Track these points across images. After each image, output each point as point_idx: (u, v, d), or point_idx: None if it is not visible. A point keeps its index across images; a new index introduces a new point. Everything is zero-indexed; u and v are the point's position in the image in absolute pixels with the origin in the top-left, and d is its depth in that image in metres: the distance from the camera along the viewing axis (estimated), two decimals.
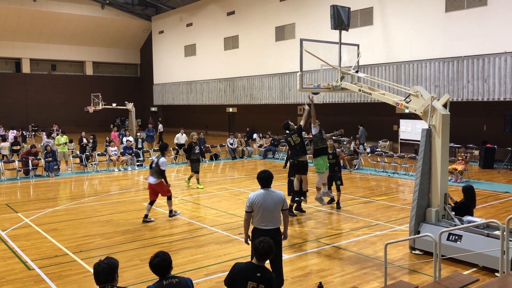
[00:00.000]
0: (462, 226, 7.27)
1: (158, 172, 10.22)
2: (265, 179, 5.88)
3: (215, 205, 12.43)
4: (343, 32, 10.95)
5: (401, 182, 15.75)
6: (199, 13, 36.87)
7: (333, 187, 11.76)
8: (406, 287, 5.57)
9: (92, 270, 4.01)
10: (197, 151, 14.66)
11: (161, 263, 4.01)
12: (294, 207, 10.93)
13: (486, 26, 19.10)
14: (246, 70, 32.05)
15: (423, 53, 21.32)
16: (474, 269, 7.17)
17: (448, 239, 7.50)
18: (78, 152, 20.95)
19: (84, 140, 21.49)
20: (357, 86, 9.96)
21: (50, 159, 17.72)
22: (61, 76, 44.57)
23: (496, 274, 6.64)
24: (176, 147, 21.95)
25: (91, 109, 35.81)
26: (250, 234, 5.97)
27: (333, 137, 13.00)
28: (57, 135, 24.39)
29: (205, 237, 9.26)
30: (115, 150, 19.82)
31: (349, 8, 11.03)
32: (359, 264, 7.57)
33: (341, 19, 10.77)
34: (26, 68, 42.56)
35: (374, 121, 25.06)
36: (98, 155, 20.00)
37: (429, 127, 8.00)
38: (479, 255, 7.04)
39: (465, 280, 5.54)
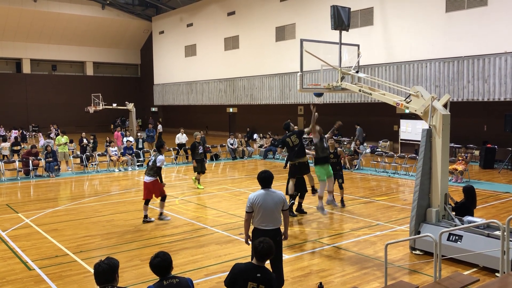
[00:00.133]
0: (462, 226, 7.27)
1: (154, 169, 10.16)
2: (265, 179, 5.89)
3: (215, 205, 12.43)
4: (344, 32, 10.96)
5: (402, 182, 15.74)
6: (199, 13, 36.89)
7: (335, 186, 11.81)
8: (407, 287, 5.57)
9: (92, 271, 4.02)
10: (200, 151, 14.55)
11: (161, 263, 4.00)
12: (294, 208, 10.93)
13: (486, 26, 19.10)
14: (247, 70, 32.06)
15: (424, 53, 21.32)
16: (475, 269, 7.17)
17: (448, 239, 7.50)
18: (78, 153, 20.97)
19: (85, 141, 21.50)
20: (358, 87, 9.97)
21: (51, 159, 17.72)
22: (62, 76, 44.59)
23: (497, 274, 6.64)
24: (177, 147, 21.96)
25: (91, 109, 35.82)
26: (250, 234, 5.98)
27: (333, 136, 12.98)
28: (56, 135, 24.40)
29: (205, 237, 9.26)
30: (115, 151, 19.83)
31: (349, 9, 11.04)
32: (360, 264, 7.57)
33: (341, 20, 10.77)
34: (26, 69, 42.59)
35: (374, 121, 25.06)
36: (99, 155, 20.00)
37: (429, 127, 8.00)
38: (479, 255, 7.04)
39: (465, 280, 5.54)
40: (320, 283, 6.44)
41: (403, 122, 22.55)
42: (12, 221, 10.80)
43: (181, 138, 22.07)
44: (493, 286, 5.30)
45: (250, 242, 5.86)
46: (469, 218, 7.72)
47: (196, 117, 39.84)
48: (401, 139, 22.86)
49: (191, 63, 38.27)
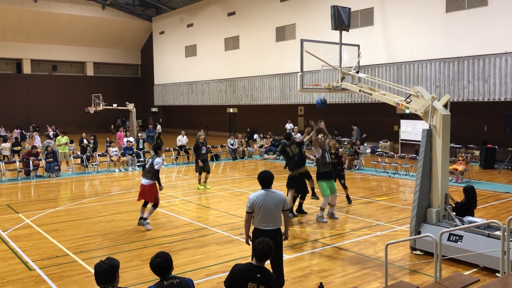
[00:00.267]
0: (462, 226, 7.27)
1: (152, 172, 9.83)
2: (265, 179, 5.89)
3: (215, 205, 12.44)
4: (344, 32, 10.97)
5: (402, 183, 15.74)
6: (199, 13, 36.90)
7: (338, 186, 11.90)
8: (407, 287, 5.57)
9: (93, 271, 4.02)
10: (204, 151, 14.46)
11: (161, 264, 4.00)
12: (295, 208, 10.93)
13: (486, 26, 19.10)
14: (247, 70, 32.07)
15: (424, 53, 21.32)
16: (475, 269, 7.16)
17: (448, 239, 7.50)
18: (79, 153, 20.97)
19: (85, 141, 21.50)
20: (358, 87, 9.97)
21: (51, 159, 17.73)
22: (62, 76, 44.61)
23: (497, 274, 6.64)
24: (177, 148, 21.96)
25: (91, 109, 35.82)
26: (251, 234, 5.98)
27: (334, 137, 13.00)
28: (54, 136, 24.37)
29: (206, 237, 9.26)
30: (115, 151, 19.83)
31: (349, 9, 11.04)
32: (360, 264, 7.57)
33: (342, 20, 10.78)
34: (27, 69, 42.62)
35: (374, 122, 25.05)
36: (99, 155, 20.00)
37: (429, 127, 8.00)
38: (479, 256, 7.04)
39: (466, 280, 5.54)
40: (321, 283, 6.44)
41: (403, 122, 22.55)
42: (13, 221, 10.81)
43: (182, 140, 22.07)
44: (493, 286, 5.30)
45: (250, 242, 5.86)
46: (470, 218, 7.72)
47: (196, 117, 39.85)
48: (401, 139, 22.85)
49: (191, 64, 38.28)
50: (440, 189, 7.94)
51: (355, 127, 24.30)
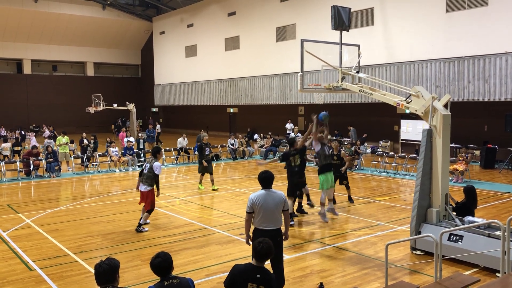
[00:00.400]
0: (463, 226, 7.27)
1: (152, 177, 9.58)
2: (266, 179, 5.89)
3: (216, 205, 12.45)
4: (344, 32, 10.98)
5: (402, 183, 15.74)
6: (200, 13, 36.90)
7: (339, 186, 12.02)
8: (407, 287, 5.57)
9: (93, 271, 4.02)
10: (207, 152, 14.33)
11: (162, 264, 4.01)
12: (295, 208, 10.93)
13: (487, 26, 19.09)
14: (247, 70, 32.07)
15: (424, 53, 21.32)
16: (475, 269, 7.17)
17: (449, 239, 7.50)
18: (79, 153, 20.98)
19: (85, 141, 21.52)
20: (358, 87, 9.97)
21: (51, 159, 17.74)
22: (62, 77, 44.62)
23: (497, 274, 6.64)
24: (178, 148, 21.96)
25: (92, 110, 35.83)
26: (251, 234, 5.98)
27: (334, 137, 13.02)
28: (51, 136, 24.34)
29: (206, 237, 9.27)
30: (116, 151, 19.83)
31: (349, 9, 11.06)
32: (360, 264, 7.57)
33: (342, 20, 10.79)
34: (27, 69, 42.63)
35: (375, 122, 25.05)
36: (99, 155, 20.01)
37: (430, 127, 8.00)
38: (480, 256, 7.04)
39: (466, 280, 5.54)
40: (321, 283, 6.45)
41: (403, 122, 22.55)
42: (13, 221, 10.81)
43: (183, 142, 22.07)
44: (493, 286, 5.30)
45: (250, 242, 5.87)
46: (470, 218, 7.72)
47: (196, 117, 39.85)
48: (401, 139, 22.85)
49: (191, 64, 38.28)
50: (441, 189, 7.94)
51: (351, 127, 24.29)
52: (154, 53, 43.84)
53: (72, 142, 22.19)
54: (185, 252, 8.28)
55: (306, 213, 11.06)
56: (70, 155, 20.36)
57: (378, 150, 22.01)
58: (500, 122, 18.62)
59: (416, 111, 8.30)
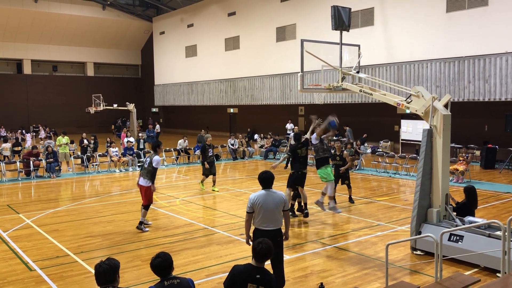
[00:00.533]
0: (463, 226, 7.27)
1: (151, 172, 9.62)
2: (266, 179, 5.88)
3: (216, 205, 12.45)
4: (344, 32, 10.97)
5: (402, 183, 15.74)
6: (200, 14, 36.91)
7: (341, 186, 12.04)
8: (408, 287, 5.57)
9: (93, 271, 4.02)
10: (210, 153, 14.14)
11: (162, 264, 4.00)
12: (296, 208, 10.93)
13: (487, 26, 19.09)
14: (247, 70, 32.07)
15: (424, 53, 21.32)
16: (476, 269, 7.16)
17: (449, 239, 7.49)
18: (79, 153, 20.98)
19: (85, 141, 21.52)
20: (358, 87, 9.97)
21: (51, 160, 17.74)
22: (62, 77, 44.63)
23: (498, 274, 6.63)
24: (178, 148, 21.96)
25: (92, 110, 35.85)
26: (251, 234, 5.97)
27: (334, 137, 13.04)
28: (48, 137, 24.34)
29: (206, 237, 9.26)
30: (116, 151, 19.83)
31: (349, 9, 11.05)
32: (360, 264, 7.56)
33: (342, 20, 10.78)
34: (27, 69, 42.64)
35: (375, 122, 25.05)
36: (99, 156, 20.01)
37: (430, 127, 8.00)
38: (480, 256, 7.04)
39: (466, 280, 5.54)
40: (321, 283, 6.45)
41: (403, 122, 22.54)
42: (13, 221, 10.81)
43: (183, 144, 22.06)
44: (494, 286, 5.30)
45: (251, 243, 5.86)
46: (470, 218, 7.71)
47: (196, 117, 39.87)
48: (402, 139, 22.85)
49: (191, 64, 38.29)
50: (441, 189, 7.93)
51: (348, 127, 24.26)
52: (154, 53, 43.85)
53: (72, 142, 22.20)
54: (185, 252, 8.28)
55: (306, 211, 11.04)
56: (70, 155, 20.36)
57: (378, 150, 22.00)
58: (500, 122, 18.62)
59: (416, 111, 8.29)
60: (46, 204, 12.77)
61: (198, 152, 21.18)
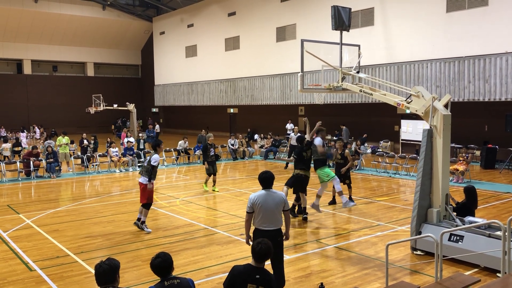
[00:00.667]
0: (463, 226, 7.26)
1: (149, 170, 9.53)
2: (266, 179, 5.88)
3: (216, 206, 12.45)
4: (344, 32, 10.97)
5: (402, 183, 15.73)
6: (200, 14, 36.91)
7: (342, 185, 11.94)
8: (408, 287, 5.57)
9: (93, 271, 4.02)
10: (212, 153, 14.03)
11: (162, 264, 4.01)
12: (296, 210, 10.91)
13: (487, 26, 19.09)
14: (247, 70, 32.08)
15: (424, 53, 21.32)
16: (476, 269, 7.16)
17: (449, 239, 7.49)
18: (79, 153, 20.97)
19: (85, 141, 21.52)
20: (358, 87, 9.97)
21: (52, 160, 17.74)
22: (62, 77, 44.63)
23: (498, 274, 6.63)
24: (178, 149, 21.96)
25: (92, 110, 35.86)
26: (251, 234, 5.97)
27: (334, 137, 13.05)
28: (42, 136, 24.20)
29: (206, 238, 9.26)
30: (116, 151, 19.83)
31: (350, 9, 11.04)
32: (361, 264, 7.56)
33: (342, 20, 10.78)
34: (27, 69, 42.65)
35: (375, 122, 25.06)
36: (100, 156, 20.01)
37: (430, 127, 8.00)
38: (480, 256, 7.03)
39: (466, 280, 5.54)
40: (321, 283, 6.45)
41: (404, 123, 22.54)
42: (13, 222, 10.81)
43: (183, 145, 22.05)
44: (494, 286, 5.30)
45: (251, 243, 5.86)
46: (470, 218, 7.71)
47: (196, 117, 39.87)
48: (402, 140, 22.85)
49: (191, 64, 38.29)
50: (441, 189, 7.93)
51: (344, 127, 24.21)
52: (154, 53, 43.86)
53: (72, 142, 22.20)
54: (185, 253, 8.28)
55: (307, 213, 11.04)
56: (71, 155, 20.37)
57: (378, 150, 22.00)
58: (500, 122, 18.62)
59: (416, 111, 8.29)
60: (46, 204, 12.77)
61: (198, 152, 21.22)
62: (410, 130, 22.16)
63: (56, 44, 43.06)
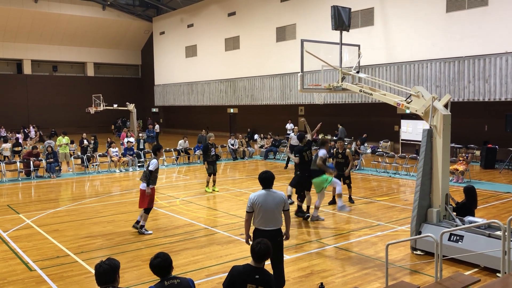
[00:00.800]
0: (463, 226, 7.27)
1: (147, 175, 9.33)
2: (266, 179, 5.87)
3: (216, 206, 12.45)
4: (344, 32, 10.97)
5: (402, 183, 15.74)
6: (200, 14, 36.91)
7: (344, 186, 11.97)
8: (408, 287, 5.57)
9: (93, 271, 4.02)
10: (212, 153, 13.98)
11: (161, 264, 4.02)
12: (305, 208, 10.85)
13: (487, 26, 19.09)
14: (247, 70, 32.08)
15: (424, 53, 21.32)
16: (476, 269, 7.16)
17: (449, 239, 7.49)
18: (79, 153, 20.97)
19: (85, 141, 21.52)
20: (358, 87, 9.97)
21: (52, 160, 17.74)
22: (62, 77, 44.62)
23: (498, 274, 6.63)
24: (178, 149, 21.95)
25: (92, 110, 35.83)
26: (251, 234, 5.97)
27: (334, 137, 13.07)
28: (36, 136, 24.03)
29: (206, 238, 9.27)
30: (116, 151, 19.83)
31: (349, 9, 11.05)
32: (361, 264, 7.57)
33: (342, 20, 10.79)
34: (27, 69, 42.63)
35: (375, 122, 25.05)
36: (100, 156, 20.02)
37: (430, 127, 8.00)
38: (480, 256, 7.04)
39: (466, 280, 5.54)
40: (321, 283, 6.45)
41: (403, 122, 22.55)
42: (13, 222, 10.81)
43: (183, 144, 22.05)
44: (494, 286, 5.30)
45: (250, 242, 5.86)
46: (470, 218, 7.72)
47: (196, 117, 39.88)
48: (402, 139, 22.85)
49: (191, 64, 38.29)
50: (441, 189, 7.93)
51: (341, 126, 24.17)
52: (154, 54, 43.86)
53: (72, 142, 22.20)
54: (185, 252, 8.28)
55: (308, 214, 11.04)
56: (71, 155, 20.37)
57: (378, 150, 22.00)
58: (500, 122, 18.62)
59: (416, 111, 8.30)
60: (46, 204, 12.77)
61: (198, 152, 21.22)
62: (410, 130, 22.16)
63: (56, 44, 43.05)
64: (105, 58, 46.64)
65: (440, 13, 20.74)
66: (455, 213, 8.21)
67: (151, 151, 21.16)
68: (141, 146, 21.72)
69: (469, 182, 14.51)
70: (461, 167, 15.37)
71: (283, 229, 6.00)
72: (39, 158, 18.13)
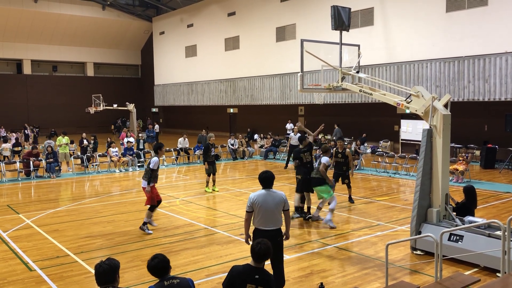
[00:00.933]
0: (463, 226, 7.26)
1: (148, 173, 9.40)
2: (266, 179, 5.87)
3: (216, 206, 12.45)
4: (344, 32, 10.98)
5: (402, 183, 15.74)
6: (199, 14, 36.91)
7: (341, 185, 12.06)
8: (408, 287, 5.57)
9: (93, 271, 4.02)
10: (212, 153, 13.98)
11: (159, 264, 4.04)
12: (299, 210, 10.85)
13: (487, 26, 19.10)
14: (247, 70, 32.08)
15: (424, 53, 21.32)
16: (476, 269, 7.16)
17: (449, 239, 7.49)
18: (79, 153, 20.96)
19: (85, 141, 21.52)
20: (358, 87, 9.97)
21: (51, 160, 17.74)
22: (62, 77, 44.63)
23: (498, 274, 6.63)
24: (178, 148, 21.95)
25: (92, 110, 35.82)
26: (251, 234, 5.97)
27: (334, 137, 13.08)
28: (35, 136, 23.89)
29: (206, 237, 9.27)
30: (116, 151, 19.83)
31: (349, 9, 11.05)
32: (360, 264, 7.57)
33: (342, 20, 10.79)
34: (27, 69, 42.63)
35: (375, 122, 25.06)
36: (99, 156, 20.01)
37: (430, 127, 8.00)
38: (480, 256, 7.04)
39: (466, 280, 5.54)
40: (321, 283, 6.45)
41: (403, 122, 22.55)
42: (13, 222, 10.81)
43: (183, 143, 22.04)
44: (494, 286, 5.30)
45: (250, 242, 5.86)
46: (470, 218, 7.72)
47: (196, 117, 39.88)
48: (401, 139, 22.85)
49: (191, 64, 38.29)
50: (441, 189, 7.93)
51: (337, 127, 24.09)
52: (154, 53, 43.86)
53: (72, 142, 22.19)
54: (185, 252, 8.28)
55: (309, 214, 11.03)
56: (70, 155, 20.36)
57: (378, 150, 22.00)
58: (500, 122, 18.63)
59: (416, 111, 8.30)
60: (46, 204, 12.77)
61: (198, 152, 21.22)
62: (410, 130, 22.17)
63: (56, 44, 43.05)
64: (105, 58, 46.65)
65: (440, 13, 20.75)
66: (455, 213, 8.21)
67: (151, 151, 21.34)
68: (141, 146, 21.71)
69: (469, 182, 14.51)
70: (461, 167, 15.37)
71: (283, 229, 6.00)
72: (39, 158, 18.13)
